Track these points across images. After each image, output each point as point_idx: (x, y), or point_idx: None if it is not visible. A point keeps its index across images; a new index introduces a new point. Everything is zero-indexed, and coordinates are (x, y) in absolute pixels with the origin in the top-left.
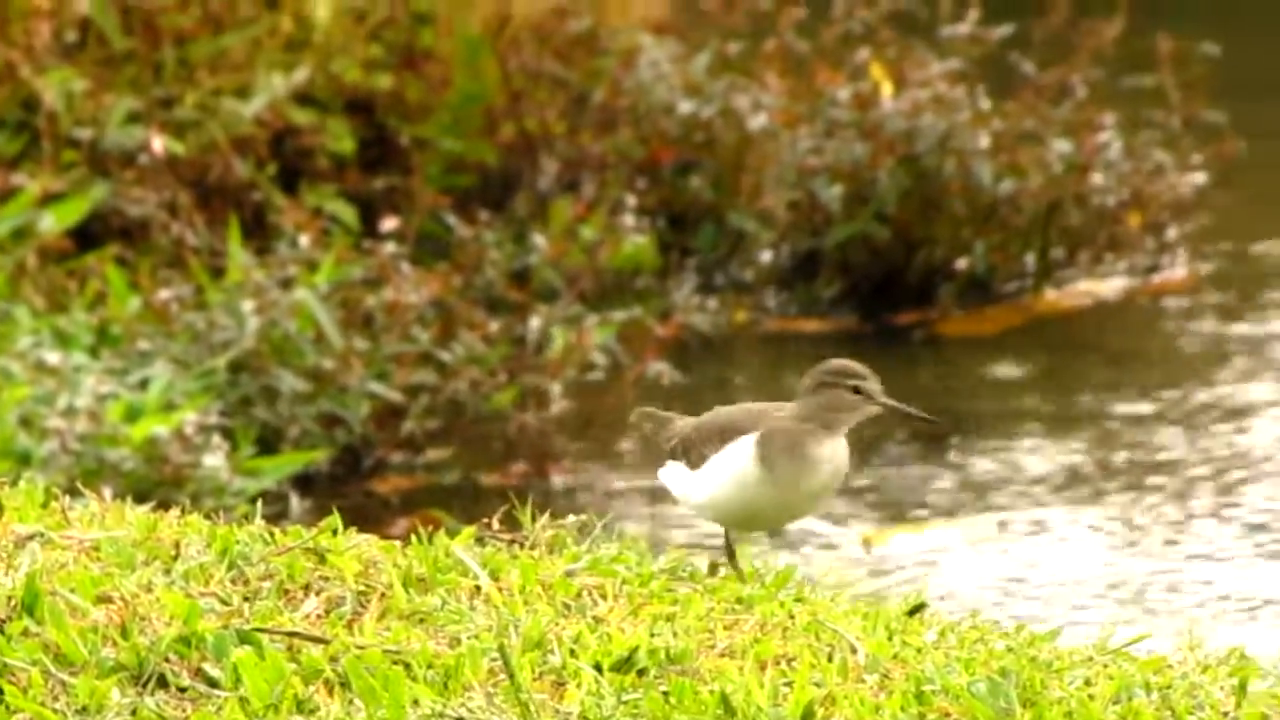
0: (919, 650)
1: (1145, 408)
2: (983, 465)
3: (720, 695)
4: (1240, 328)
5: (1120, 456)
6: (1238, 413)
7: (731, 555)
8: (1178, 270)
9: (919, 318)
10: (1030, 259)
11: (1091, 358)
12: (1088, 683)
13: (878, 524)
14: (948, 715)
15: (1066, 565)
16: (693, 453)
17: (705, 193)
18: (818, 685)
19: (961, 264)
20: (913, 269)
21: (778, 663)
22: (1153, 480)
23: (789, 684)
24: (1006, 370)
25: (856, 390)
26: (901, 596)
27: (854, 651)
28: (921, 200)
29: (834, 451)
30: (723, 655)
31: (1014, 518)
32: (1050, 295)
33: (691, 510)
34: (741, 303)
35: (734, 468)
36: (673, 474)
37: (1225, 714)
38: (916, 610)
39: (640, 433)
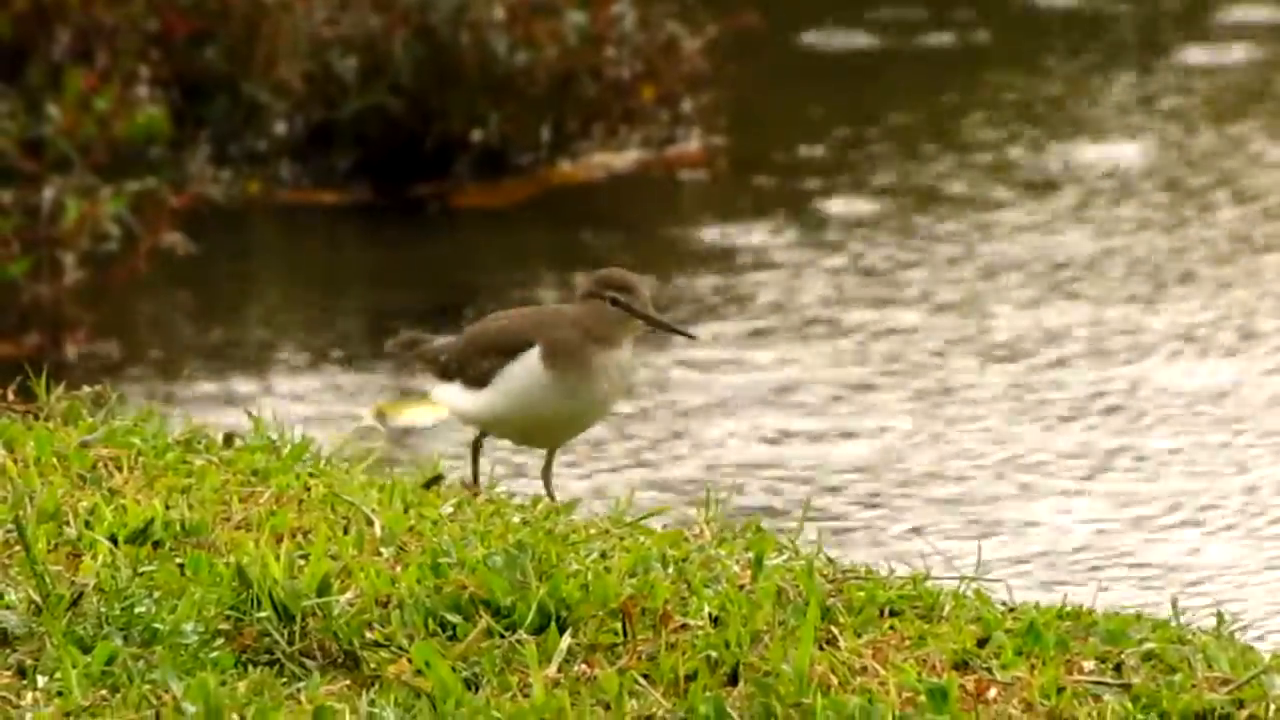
0: (435, 523)
1: (660, 272)
2: None
3: (236, 567)
4: (747, 203)
5: None
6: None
7: (476, 459)
8: (692, 143)
9: (435, 189)
10: (545, 131)
11: (606, 230)
12: (604, 555)
13: (393, 396)
14: (464, 588)
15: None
16: (470, 368)
17: (219, 63)
18: (334, 558)
19: (477, 136)
20: (428, 141)
21: (294, 535)
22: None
23: (305, 556)
24: (522, 241)
25: (615, 303)
26: (418, 469)
27: (370, 524)
28: (437, 72)
29: (614, 363)
30: (239, 527)
31: None
32: (565, 167)
33: (474, 426)
34: (256, 174)
35: (520, 380)
36: (449, 392)
37: (741, 586)
38: (433, 483)
39: (401, 354)
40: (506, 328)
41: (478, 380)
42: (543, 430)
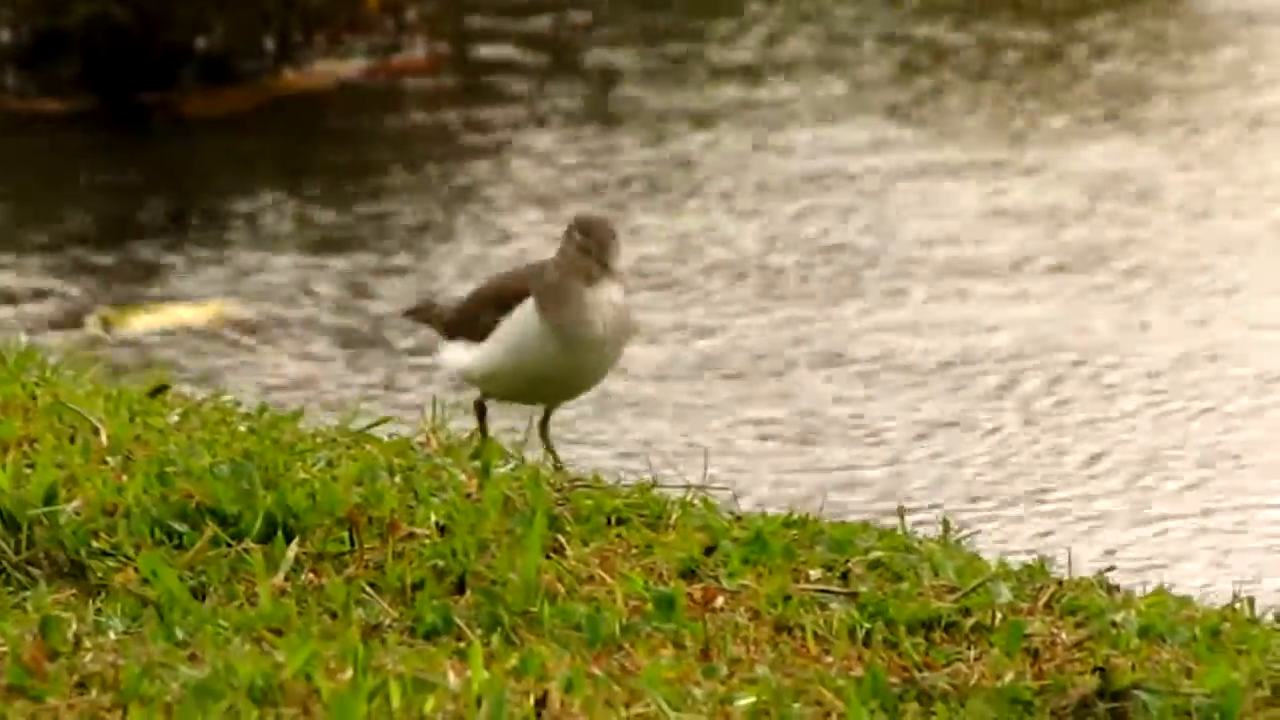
0: (161, 432)
1: (388, 180)
2: (226, 249)
3: None
4: (475, 110)
5: (360, 224)
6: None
7: (482, 419)
8: (417, 51)
9: (160, 98)
10: (270, 40)
11: (332, 138)
12: (331, 464)
13: (118, 304)
14: (190, 497)
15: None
16: (471, 324)
17: None
18: (60, 467)
19: (201, 44)
20: (154, 49)
21: (20, 444)
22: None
23: (31, 465)
24: (248, 150)
25: (582, 249)
26: (144, 378)
27: (96, 433)
28: None
29: (604, 299)
30: None
31: (263, 304)
32: (290, 76)
33: (478, 386)
34: None
35: (516, 330)
36: (454, 353)
37: (468, 495)
38: (159, 392)
39: (415, 318)
40: (505, 282)
41: (478, 336)
42: (543, 384)
